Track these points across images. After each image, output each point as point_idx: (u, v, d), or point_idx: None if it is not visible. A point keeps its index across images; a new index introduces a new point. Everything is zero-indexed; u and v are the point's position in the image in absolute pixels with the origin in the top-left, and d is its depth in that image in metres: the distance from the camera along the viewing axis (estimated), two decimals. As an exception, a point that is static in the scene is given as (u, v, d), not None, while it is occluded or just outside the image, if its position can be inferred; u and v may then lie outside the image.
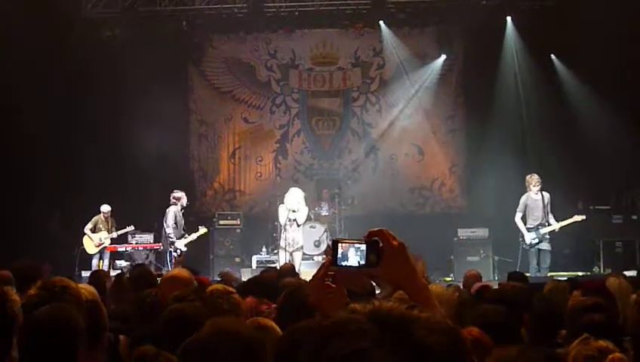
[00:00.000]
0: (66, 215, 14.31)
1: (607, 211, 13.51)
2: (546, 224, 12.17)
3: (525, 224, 12.27)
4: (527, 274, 11.46)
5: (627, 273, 9.22)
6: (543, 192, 12.22)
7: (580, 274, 12.43)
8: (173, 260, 12.62)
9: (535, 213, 12.21)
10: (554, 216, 12.22)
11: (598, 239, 13.30)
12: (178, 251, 12.63)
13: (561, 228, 12.18)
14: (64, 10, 14.20)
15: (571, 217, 12.27)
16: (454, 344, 1.16)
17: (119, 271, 11.63)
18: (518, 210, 12.27)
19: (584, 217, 12.39)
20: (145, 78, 14.87)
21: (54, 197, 14.35)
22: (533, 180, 12.22)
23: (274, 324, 3.56)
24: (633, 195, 14.08)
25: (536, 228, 12.17)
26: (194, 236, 12.85)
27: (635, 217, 13.59)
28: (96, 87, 14.88)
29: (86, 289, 4.42)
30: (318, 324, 1.22)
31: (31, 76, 13.13)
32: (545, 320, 4.09)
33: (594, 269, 13.26)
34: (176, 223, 12.75)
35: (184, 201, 12.89)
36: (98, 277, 6.88)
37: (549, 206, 12.21)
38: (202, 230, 13.07)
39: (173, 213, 12.67)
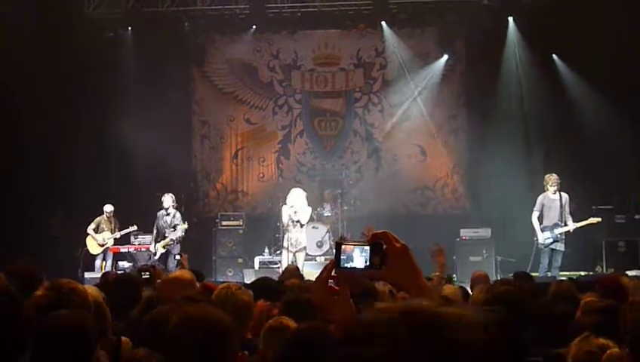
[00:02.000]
0: (67, 216, 14.31)
1: (610, 211, 13.48)
2: (562, 224, 12.02)
3: (541, 223, 12.14)
4: (536, 274, 11.50)
5: (630, 273, 9.25)
6: (562, 193, 12.07)
7: (583, 273, 12.42)
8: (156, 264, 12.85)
9: (551, 212, 12.06)
10: (572, 218, 12.08)
11: (601, 239, 13.28)
12: (157, 255, 12.77)
13: (575, 229, 12.09)
14: (66, 11, 14.22)
15: (587, 219, 12.17)
16: (487, 340, 1.12)
17: (121, 272, 11.76)
18: (534, 209, 12.14)
19: (600, 219, 12.26)
20: (147, 79, 14.91)
21: (55, 198, 14.37)
22: (551, 180, 12.05)
23: (294, 324, 3.58)
24: (636, 195, 14.06)
25: (551, 228, 12.03)
26: (173, 236, 12.85)
27: (638, 217, 13.57)
28: (99, 87, 14.91)
29: (90, 291, 4.44)
30: (345, 325, 1.18)
31: (33, 76, 13.15)
32: (549, 321, 4.09)
33: (596, 269, 13.25)
34: (157, 227, 12.87)
35: (165, 204, 12.97)
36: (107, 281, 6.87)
37: (567, 206, 12.05)
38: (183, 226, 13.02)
39: (157, 217, 12.98)
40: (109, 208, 13.59)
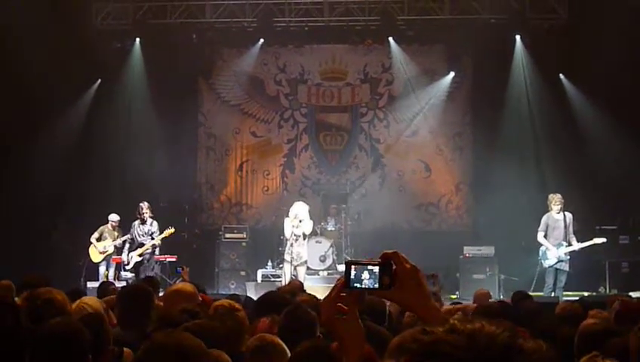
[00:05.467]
0: (69, 226, 14.31)
1: (614, 231, 13.44)
2: (566, 244, 11.90)
3: None
4: (540, 294, 11.45)
5: (633, 294, 9.20)
6: (566, 212, 11.97)
7: (586, 294, 12.36)
8: (121, 273, 12.70)
9: (556, 232, 11.95)
10: (576, 238, 11.98)
11: (605, 259, 13.23)
12: (131, 264, 12.56)
13: (580, 249, 12.00)
14: (75, 22, 14.28)
15: (591, 239, 12.08)
16: None
17: (125, 282, 11.75)
18: (539, 229, 12.02)
19: (604, 240, 12.16)
20: (154, 90, 14.97)
21: (58, 208, 14.38)
22: (555, 199, 11.95)
23: (279, 340, 3.58)
24: (640, 216, 14.03)
25: (555, 248, 11.90)
26: (156, 242, 12.57)
27: (641, 238, 13.55)
28: (105, 97, 14.97)
29: (90, 301, 4.43)
30: (414, 339, 1.18)
31: (41, 86, 13.20)
32: (556, 341, 4.07)
33: (600, 289, 13.21)
34: (132, 236, 12.65)
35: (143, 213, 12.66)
36: (106, 290, 6.85)
37: (571, 226, 11.97)
38: (167, 231, 12.60)
39: (132, 226, 12.70)
40: (114, 217, 13.40)
